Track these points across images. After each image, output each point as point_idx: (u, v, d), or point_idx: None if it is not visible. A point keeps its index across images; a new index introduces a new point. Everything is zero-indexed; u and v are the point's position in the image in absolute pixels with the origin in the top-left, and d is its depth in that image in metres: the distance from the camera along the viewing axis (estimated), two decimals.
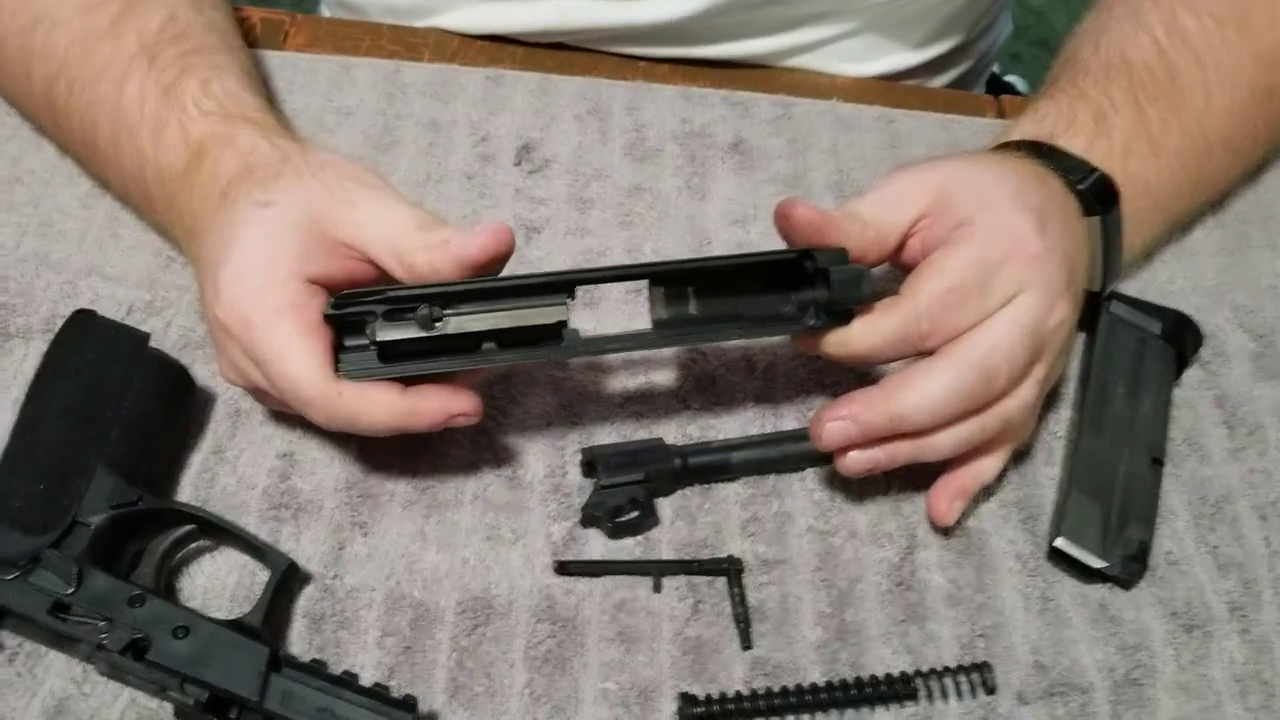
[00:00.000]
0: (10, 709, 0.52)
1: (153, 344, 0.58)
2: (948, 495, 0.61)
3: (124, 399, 0.56)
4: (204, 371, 0.63)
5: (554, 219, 0.73)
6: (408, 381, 0.54)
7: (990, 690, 0.57)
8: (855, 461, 0.58)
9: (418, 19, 0.82)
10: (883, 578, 0.61)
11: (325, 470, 0.61)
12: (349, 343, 0.54)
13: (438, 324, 0.54)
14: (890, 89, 0.84)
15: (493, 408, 0.64)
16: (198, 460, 0.61)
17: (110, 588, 0.52)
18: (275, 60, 0.78)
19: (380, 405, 0.54)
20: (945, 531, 0.62)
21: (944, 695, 0.57)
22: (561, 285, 0.55)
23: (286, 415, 0.62)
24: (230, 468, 0.60)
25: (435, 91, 0.78)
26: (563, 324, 0.55)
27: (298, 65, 0.78)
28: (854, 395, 0.57)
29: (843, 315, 0.57)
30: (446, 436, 0.63)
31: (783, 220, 0.57)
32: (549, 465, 0.63)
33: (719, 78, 0.82)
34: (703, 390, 0.66)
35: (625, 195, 0.74)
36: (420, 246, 0.54)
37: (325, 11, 0.93)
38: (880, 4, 0.81)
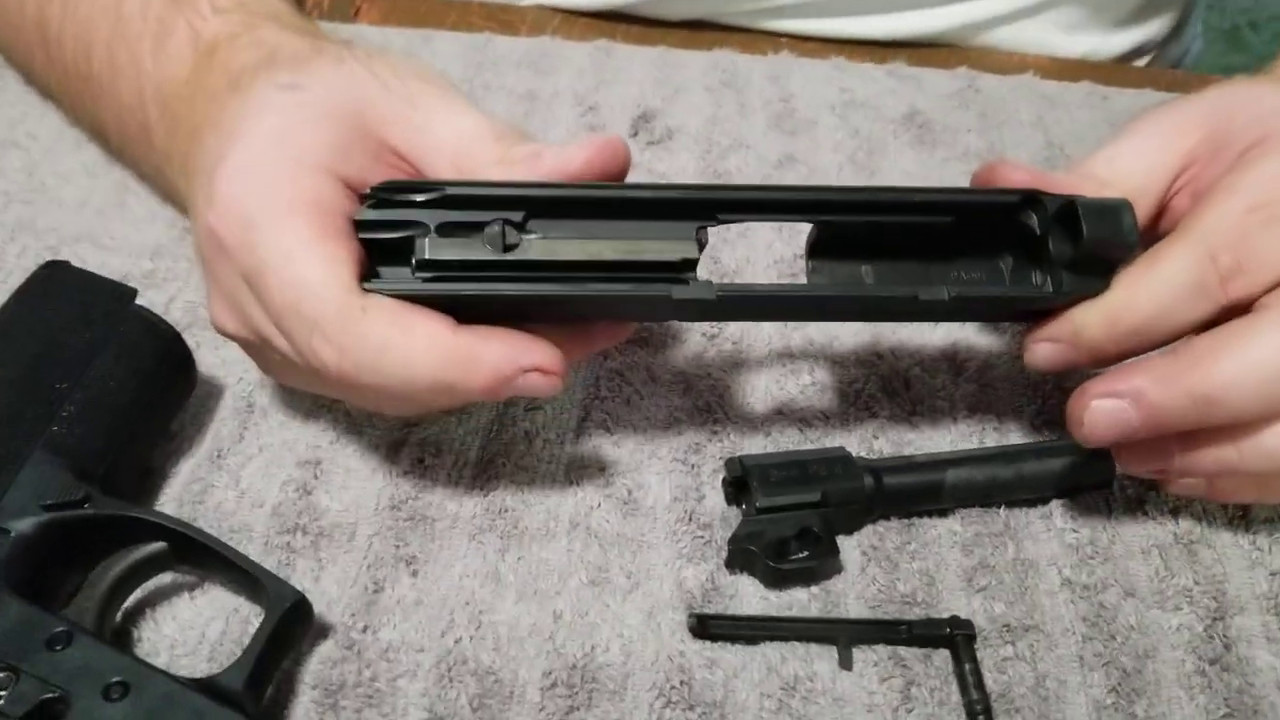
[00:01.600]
0: None
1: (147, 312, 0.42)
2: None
3: (88, 366, 0.40)
4: (212, 358, 0.46)
5: None
6: (463, 319, 0.37)
7: None
8: (1135, 464, 0.41)
9: None
10: (1185, 653, 0.40)
11: (363, 484, 0.43)
12: (385, 272, 0.38)
13: (513, 249, 0.37)
14: (1096, 67, 0.67)
15: (600, 411, 0.46)
16: (188, 468, 0.43)
17: (25, 621, 0.35)
18: (341, 32, 0.64)
19: (419, 336, 0.36)
20: (1264, 585, 0.42)
21: None
22: (695, 207, 0.38)
23: (316, 410, 0.44)
24: (230, 478, 0.43)
25: (533, 63, 0.63)
26: (690, 264, 0.37)
27: (366, 36, 0.64)
28: (1140, 363, 0.39)
29: (1097, 274, 0.39)
30: (535, 441, 0.44)
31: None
32: (679, 486, 0.44)
33: (882, 54, 0.66)
34: (892, 395, 0.47)
35: (773, 168, 0.57)
36: (498, 161, 0.38)
37: None
38: None
